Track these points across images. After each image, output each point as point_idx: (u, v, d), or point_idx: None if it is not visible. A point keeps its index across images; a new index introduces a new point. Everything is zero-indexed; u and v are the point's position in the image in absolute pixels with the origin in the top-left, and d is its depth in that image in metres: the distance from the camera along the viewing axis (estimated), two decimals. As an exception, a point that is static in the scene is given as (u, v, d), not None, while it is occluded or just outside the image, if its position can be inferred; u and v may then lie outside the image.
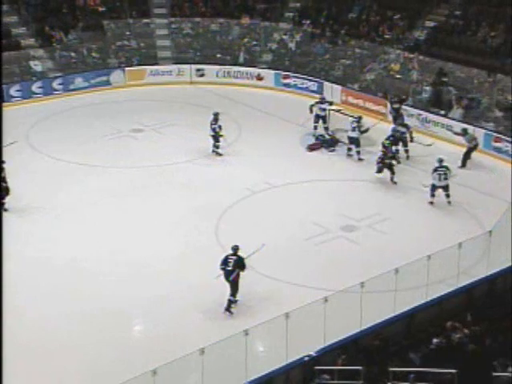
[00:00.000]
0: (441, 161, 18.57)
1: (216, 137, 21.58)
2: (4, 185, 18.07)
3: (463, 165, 21.08)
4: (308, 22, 29.33)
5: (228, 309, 14.36)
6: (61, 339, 13.68)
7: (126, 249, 16.77)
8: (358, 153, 21.60)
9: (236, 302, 14.40)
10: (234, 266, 14.28)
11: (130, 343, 13.83)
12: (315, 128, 23.18)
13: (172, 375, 11.34)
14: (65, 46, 28.57)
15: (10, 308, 10.82)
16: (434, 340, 11.87)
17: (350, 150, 21.82)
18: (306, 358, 12.20)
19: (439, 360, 11.26)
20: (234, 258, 14.36)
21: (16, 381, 11.18)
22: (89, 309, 14.49)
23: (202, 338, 12.41)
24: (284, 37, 29.47)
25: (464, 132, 21.60)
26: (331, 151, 22.29)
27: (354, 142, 21.62)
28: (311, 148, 22.56)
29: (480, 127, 22.60)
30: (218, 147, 21.71)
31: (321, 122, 23.25)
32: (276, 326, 12.29)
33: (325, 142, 22.62)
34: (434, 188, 18.55)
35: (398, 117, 22.81)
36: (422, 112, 24.05)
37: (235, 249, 14.48)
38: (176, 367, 11.36)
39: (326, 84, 26.90)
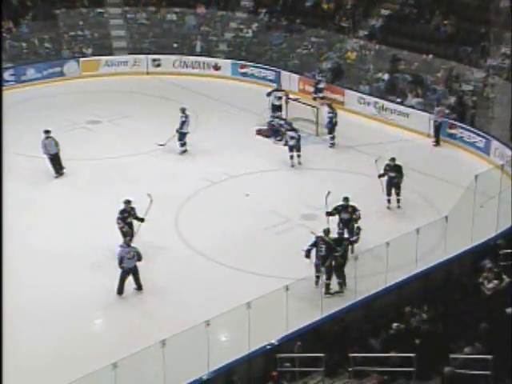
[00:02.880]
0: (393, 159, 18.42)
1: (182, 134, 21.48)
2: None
3: (437, 143, 21.75)
4: (264, 11, 29.36)
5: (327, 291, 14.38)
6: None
7: (79, 241, 16.71)
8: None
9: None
10: (326, 251, 14.41)
11: (92, 334, 13.83)
12: (274, 118, 23.23)
13: (133, 368, 11.37)
14: (15, 36, 28.09)
15: None
16: (394, 325, 12.07)
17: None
18: (268, 347, 12.31)
19: (399, 345, 11.46)
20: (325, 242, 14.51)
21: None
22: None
23: (164, 330, 12.45)
24: (241, 26, 29.45)
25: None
26: (278, 140, 22.19)
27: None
28: (259, 132, 22.70)
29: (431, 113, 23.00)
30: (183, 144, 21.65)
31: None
32: (238, 316, 12.35)
33: (275, 132, 22.63)
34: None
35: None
36: (378, 100, 24.29)
37: (327, 232, 14.69)
38: (137, 359, 11.40)
39: (284, 73, 26.99)
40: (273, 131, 22.70)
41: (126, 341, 13.06)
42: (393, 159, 18.18)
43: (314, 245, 14.63)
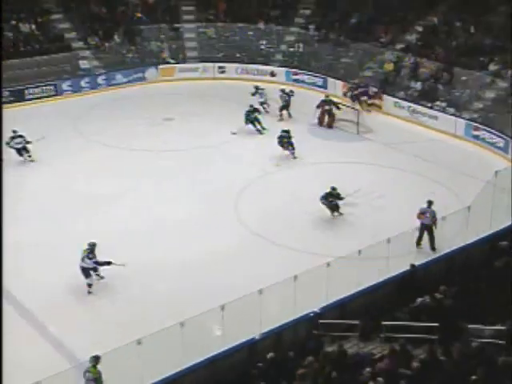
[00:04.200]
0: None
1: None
2: None
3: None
4: (313, 26, 29.05)
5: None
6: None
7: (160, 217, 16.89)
8: None
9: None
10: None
11: (127, 306, 13.72)
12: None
13: (197, 326, 11.46)
14: (108, 48, 28.54)
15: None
16: (419, 299, 11.88)
17: None
18: (312, 314, 12.25)
19: (424, 316, 11.29)
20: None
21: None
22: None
23: (225, 294, 12.48)
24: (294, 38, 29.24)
25: None
26: None
27: None
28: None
29: (461, 117, 22.45)
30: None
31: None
32: (286, 287, 12.32)
33: None
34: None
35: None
36: (411, 104, 23.83)
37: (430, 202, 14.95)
38: (201, 319, 11.48)
39: (330, 80, 26.70)
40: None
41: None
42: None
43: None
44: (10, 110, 23.17)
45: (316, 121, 23.09)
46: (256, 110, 22.69)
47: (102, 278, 14.12)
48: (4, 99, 25.05)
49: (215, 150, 21.26)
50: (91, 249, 13.79)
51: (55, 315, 13.09)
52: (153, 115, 24.01)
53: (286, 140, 20.31)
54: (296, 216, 17.01)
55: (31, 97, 25.77)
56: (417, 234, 14.96)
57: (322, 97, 24.05)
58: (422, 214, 15.01)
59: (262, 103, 23.77)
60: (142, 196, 18.19)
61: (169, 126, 23.36)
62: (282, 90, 24.03)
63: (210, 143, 21.65)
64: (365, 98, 24.44)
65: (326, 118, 22.99)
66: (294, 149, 20.28)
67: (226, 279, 14.26)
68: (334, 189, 16.72)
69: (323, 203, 16.77)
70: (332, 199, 16.73)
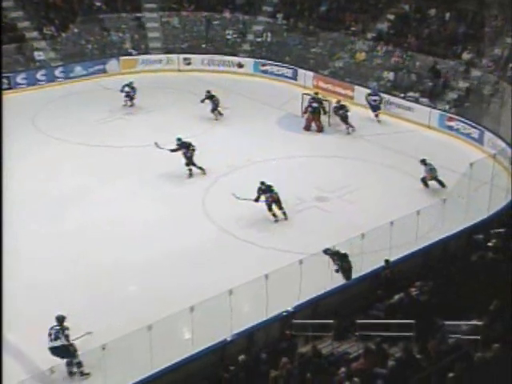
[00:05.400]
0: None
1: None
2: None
3: None
4: (282, 15, 29.13)
5: None
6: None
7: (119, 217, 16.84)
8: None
9: None
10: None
11: (126, 301, 13.78)
12: None
13: (166, 329, 11.44)
14: (65, 39, 28.19)
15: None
16: (396, 296, 12.03)
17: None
18: (285, 313, 12.32)
19: (399, 313, 11.43)
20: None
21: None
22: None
23: (194, 295, 12.47)
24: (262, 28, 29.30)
25: None
26: None
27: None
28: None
29: (435, 108, 22.78)
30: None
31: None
32: (257, 286, 12.37)
33: None
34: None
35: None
36: (384, 95, 24.08)
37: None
38: (168, 322, 11.47)
39: (300, 70, 26.82)
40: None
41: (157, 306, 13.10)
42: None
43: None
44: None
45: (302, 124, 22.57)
46: None
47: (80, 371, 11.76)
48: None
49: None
50: (60, 321, 11.80)
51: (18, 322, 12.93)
52: (114, 109, 23.85)
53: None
54: (266, 213, 17.05)
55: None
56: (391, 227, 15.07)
57: (297, 91, 24.07)
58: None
59: (213, 110, 23.03)
60: (100, 195, 18.05)
61: (130, 121, 23.22)
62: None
63: (173, 138, 21.52)
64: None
65: (314, 123, 22.48)
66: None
67: (193, 280, 14.25)
68: (262, 183, 16.70)
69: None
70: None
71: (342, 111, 22.12)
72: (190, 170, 18.98)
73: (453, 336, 10.22)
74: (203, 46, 29.34)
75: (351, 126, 21.99)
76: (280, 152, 20.61)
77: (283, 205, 16.72)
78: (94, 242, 15.76)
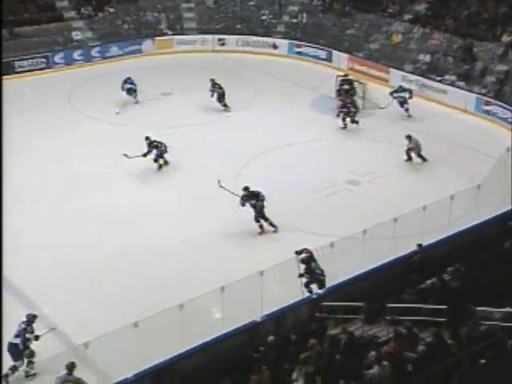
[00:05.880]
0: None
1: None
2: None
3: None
4: (319, -5, 28.84)
5: None
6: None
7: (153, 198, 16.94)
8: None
9: None
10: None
11: (158, 279, 13.87)
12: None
13: (197, 309, 11.51)
14: (102, 19, 28.33)
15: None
16: (428, 281, 11.90)
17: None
18: (314, 296, 12.29)
19: (431, 298, 11.31)
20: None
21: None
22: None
23: (226, 276, 12.52)
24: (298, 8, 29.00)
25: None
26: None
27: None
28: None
29: (472, 92, 22.36)
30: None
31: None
32: (287, 268, 12.36)
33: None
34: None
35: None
36: (419, 78, 23.70)
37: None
38: (199, 302, 11.53)
39: (335, 52, 26.52)
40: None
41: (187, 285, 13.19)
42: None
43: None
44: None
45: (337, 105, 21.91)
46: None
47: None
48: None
49: (213, 125, 21.18)
50: (29, 322, 11.60)
51: (51, 298, 13.14)
52: (149, 90, 23.90)
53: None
54: (297, 196, 16.98)
55: (21, 69, 25.62)
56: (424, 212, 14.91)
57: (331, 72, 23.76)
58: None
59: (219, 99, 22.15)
60: (134, 176, 18.12)
61: (166, 101, 23.25)
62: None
63: (208, 119, 21.57)
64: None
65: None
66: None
67: (225, 261, 14.31)
68: (245, 189, 15.49)
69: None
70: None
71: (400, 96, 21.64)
72: (160, 165, 18.37)
73: (485, 323, 10.08)
74: (238, 26, 29.19)
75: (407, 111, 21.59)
76: (313, 134, 20.46)
77: (267, 215, 15.56)
78: (128, 221, 15.88)
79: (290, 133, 20.52)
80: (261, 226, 15.46)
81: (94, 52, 27.27)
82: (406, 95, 21.66)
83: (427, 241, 13.71)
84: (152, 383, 9.88)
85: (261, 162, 18.88)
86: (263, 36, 28.43)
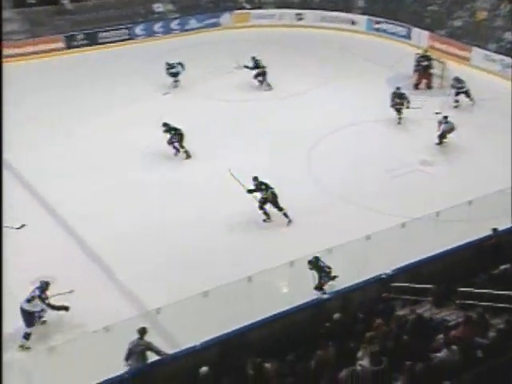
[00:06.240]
0: None
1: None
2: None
3: None
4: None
5: None
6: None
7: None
8: None
9: None
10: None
11: (228, 252, 13.97)
12: None
13: (265, 282, 11.59)
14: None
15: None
16: (502, 267, 11.55)
17: None
18: (383, 276, 12.14)
19: (504, 284, 10.99)
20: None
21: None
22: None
23: (294, 251, 12.51)
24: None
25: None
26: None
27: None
28: None
29: None
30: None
31: None
32: (357, 247, 12.26)
33: None
34: None
35: None
36: (504, 57, 22.79)
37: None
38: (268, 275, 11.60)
39: (414, 29, 25.81)
40: None
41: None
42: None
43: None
44: (82, 54, 23.68)
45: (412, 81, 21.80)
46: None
47: (44, 322, 11.86)
48: (77, 42, 25.63)
49: (288, 100, 21.09)
50: (43, 288, 11.69)
51: (124, 261, 13.52)
52: (226, 63, 23.95)
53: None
54: (372, 174, 16.76)
55: (104, 40, 26.21)
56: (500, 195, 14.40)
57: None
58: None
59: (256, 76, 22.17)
60: (212, 146, 18.30)
61: (241, 75, 23.28)
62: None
63: (283, 93, 21.48)
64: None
65: (424, 80, 21.75)
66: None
67: (294, 236, 14.31)
68: (255, 179, 14.93)
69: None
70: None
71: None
72: (178, 150, 17.81)
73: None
74: (316, 1, 28.79)
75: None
76: (388, 112, 20.04)
77: (282, 205, 14.95)
78: (208, 193, 16.05)
79: (365, 110, 20.18)
80: (266, 214, 14.93)
81: (173, 24, 27.62)
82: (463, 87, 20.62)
83: (503, 225, 13.28)
84: (219, 352, 10.02)
85: (334, 138, 18.70)
86: (342, 11, 27.97)
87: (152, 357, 10.13)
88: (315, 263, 12.25)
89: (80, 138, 18.73)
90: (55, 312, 11.75)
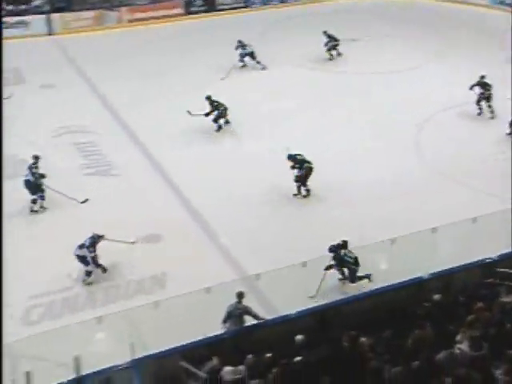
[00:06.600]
0: None
1: None
2: None
3: None
4: None
5: None
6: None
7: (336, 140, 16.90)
8: None
9: None
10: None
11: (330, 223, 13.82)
12: None
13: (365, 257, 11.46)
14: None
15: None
16: None
17: None
18: (488, 260, 11.72)
19: None
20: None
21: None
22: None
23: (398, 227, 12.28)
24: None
25: None
26: None
27: None
28: None
29: None
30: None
31: None
32: (462, 229, 11.88)
33: None
34: None
35: None
36: None
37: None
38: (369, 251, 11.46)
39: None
40: None
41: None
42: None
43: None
44: (199, 20, 24.07)
45: None
46: None
47: (99, 266, 12.40)
48: (196, 8, 26.07)
49: (400, 76, 20.53)
50: (93, 242, 12.18)
51: (228, 227, 13.79)
52: (338, 34, 23.46)
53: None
54: (484, 155, 16.08)
55: (222, 7, 26.46)
56: None
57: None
58: None
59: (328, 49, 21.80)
60: (312, 119, 18.16)
61: (353, 48, 22.87)
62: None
63: (395, 69, 20.92)
64: None
65: None
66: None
67: (397, 212, 14.03)
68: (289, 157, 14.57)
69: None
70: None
71: None
72: (220, 126, 17.49)
73: None
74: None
75: None
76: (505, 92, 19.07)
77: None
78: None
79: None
80: (299, 188, 14.67)
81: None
82: None
83: None
84: (315, 322, 10.08)
85: (443, 116, 18.07)
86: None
87: (249, 321, 10.36)
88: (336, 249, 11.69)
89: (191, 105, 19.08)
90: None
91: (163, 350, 9.13)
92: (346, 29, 23.66)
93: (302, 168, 14.47)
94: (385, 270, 11.99)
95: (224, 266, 12.49)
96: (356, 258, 11.58)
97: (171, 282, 12.06)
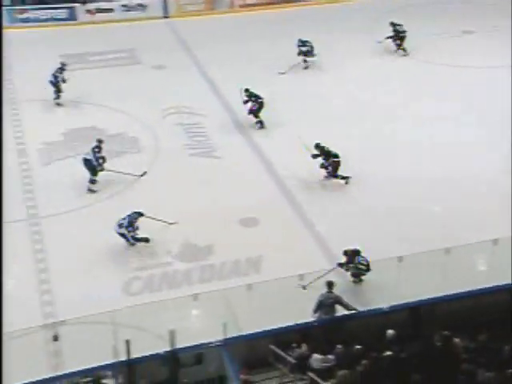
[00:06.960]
0: None
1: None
2: None
3: None
4: None
5: None
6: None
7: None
8: None
9: None
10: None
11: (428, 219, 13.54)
12: None
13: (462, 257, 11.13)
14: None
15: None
16: None
17: None
18: None
19: None
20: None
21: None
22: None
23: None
24: None
25: None
26: None
27: None
28: None
29: None
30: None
31: None
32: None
33: None
34: None
35: None
36: None
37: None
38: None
39: None
40: None
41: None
42: None
43: None
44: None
45: None
46: None
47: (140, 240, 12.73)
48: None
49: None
50: (131, 220, 12.41)
51: (323, 214, 13.76)
52: (450, 26, 22.70)
53: None
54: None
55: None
56: None
57: None
58: None
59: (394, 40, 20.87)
60: (421, 110, 17.76)
61: (468, 40, 22.00)
62: None
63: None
64: None
65: None
66: None
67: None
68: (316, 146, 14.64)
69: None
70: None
71: None
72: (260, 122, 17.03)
73: None
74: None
75: None
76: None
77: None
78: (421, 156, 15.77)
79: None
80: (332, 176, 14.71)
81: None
82: None
83: None
84: (409, 318, 9.94)
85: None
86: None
87: (339, 311, 10.34)
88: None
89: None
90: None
91: (254, 332, 9.28)
92: (457, 19, 22.92)
93: (329, 157, 14.56)
94: (482, 270, 11.59)
95: (318, 253, 12.49)
96: (368, 264, 11.44)
97: (266, 265, 12.19)
